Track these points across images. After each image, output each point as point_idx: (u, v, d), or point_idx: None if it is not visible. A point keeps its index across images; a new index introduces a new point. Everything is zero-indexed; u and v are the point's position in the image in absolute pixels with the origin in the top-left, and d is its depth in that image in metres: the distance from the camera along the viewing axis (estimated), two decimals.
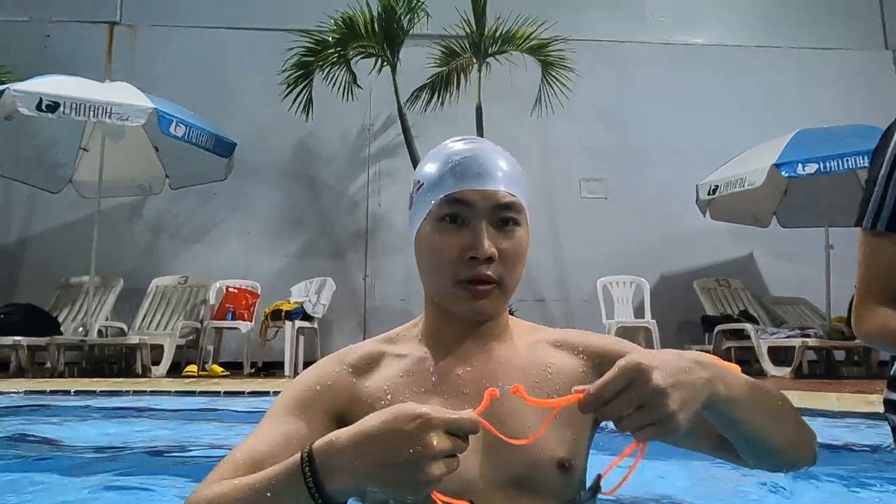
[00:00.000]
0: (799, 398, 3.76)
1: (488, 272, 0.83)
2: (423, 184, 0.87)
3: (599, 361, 0.89)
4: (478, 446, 0.81)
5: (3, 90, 5.06)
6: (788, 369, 5.52)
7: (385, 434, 0.63)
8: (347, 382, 0.87)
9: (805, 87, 7.34)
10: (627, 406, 0.65)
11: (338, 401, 0.86)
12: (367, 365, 0.89)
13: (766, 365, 5.61)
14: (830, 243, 6.00)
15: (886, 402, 1.21)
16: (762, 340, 5.69)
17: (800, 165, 5.31)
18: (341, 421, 0.84)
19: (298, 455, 0.67)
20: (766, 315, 6.60)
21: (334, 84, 6.34)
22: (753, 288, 6.95)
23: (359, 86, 6.41)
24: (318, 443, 0.67)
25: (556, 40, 6.29)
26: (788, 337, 5.70)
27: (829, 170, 5.28)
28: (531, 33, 6.25)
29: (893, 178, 1.12)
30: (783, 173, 5.44)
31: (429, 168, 0.88)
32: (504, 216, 0.85)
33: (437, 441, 0.62)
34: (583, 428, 0.87)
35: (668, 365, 0.67)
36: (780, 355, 5.77)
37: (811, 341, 5.63)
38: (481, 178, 0.84)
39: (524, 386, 0.71)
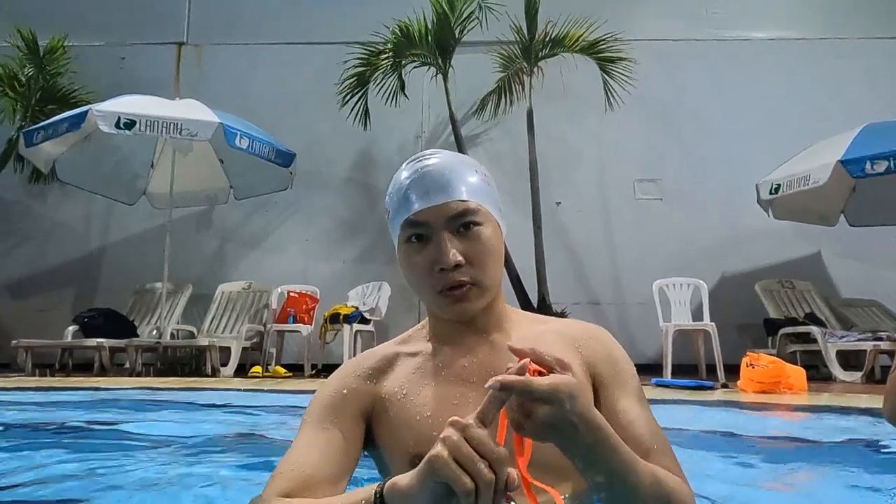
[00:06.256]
0: (867, 401, 3.61)
1: (460, 277, 0.90)
2: (389, 212, 0.97)
3: (591, 361, 0.94)
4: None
5: (87, 111, 5.47)
6: (859, 374, 5.27)
7: (423, 479, 0.66)
8: (368, 385, 0.97)
9: (874, 80, 6.98)
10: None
11: (362, 403, 0.96)
12: (385, 366, 0.99)
13: (835, 370, 5.37)
14: None
15: None
16: (830, 344, 5.46)
17: (868, 164, 5.05)
18: (368, 420, 0.95)
19: (371, 491, 0.72)
20: (834, 318, 6.32)
21: (385, 91, 6.49)
22: (821, 289, 6.66)
23: (405, 95, 6.52)
24: (387, 485, 0.71)
25: (607, 38, 6.24)
26: (859, 340, 5.44)
27: None
28: (581, 35, 6.23)
29: None
30: (850, 173, 5.18)
31: (389, 197, 0.97)
32: (461, 223, 0.91)
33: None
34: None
35: (576, 402, 0.68)
36: (850, 360, 5.52)
37: (884, 345, 5.35)
38: (430, 196, 0.91)
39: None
